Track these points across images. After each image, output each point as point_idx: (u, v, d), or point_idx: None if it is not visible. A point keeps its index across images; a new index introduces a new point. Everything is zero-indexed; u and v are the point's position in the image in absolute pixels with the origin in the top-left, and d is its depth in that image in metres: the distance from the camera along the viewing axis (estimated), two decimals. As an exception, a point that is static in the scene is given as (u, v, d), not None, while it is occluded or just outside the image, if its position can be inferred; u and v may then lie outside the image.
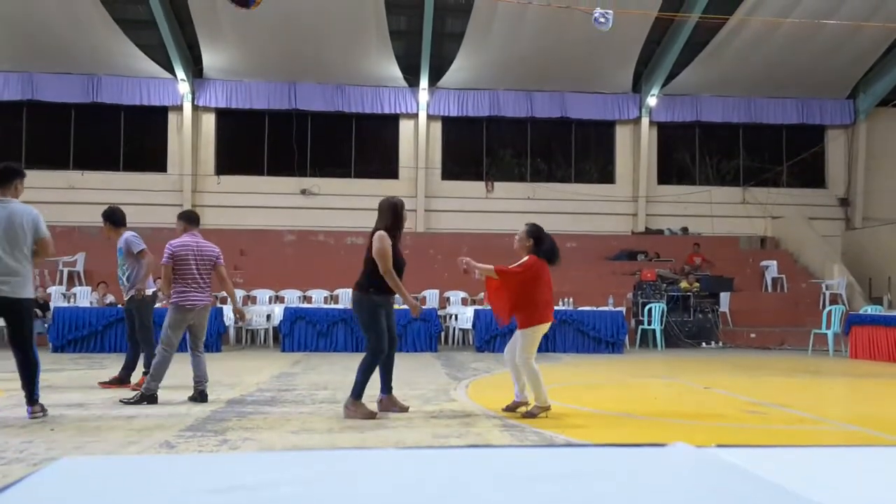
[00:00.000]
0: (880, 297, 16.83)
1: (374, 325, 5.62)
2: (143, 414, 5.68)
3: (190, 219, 6.74)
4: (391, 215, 5.75)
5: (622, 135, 19.98)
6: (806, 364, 11.32)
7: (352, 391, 5.61)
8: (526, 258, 5.79)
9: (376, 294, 5.65)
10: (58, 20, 16.39)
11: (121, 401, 6.23)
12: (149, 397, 6.18)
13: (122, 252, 7.34)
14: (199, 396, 6.33)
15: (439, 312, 13.75)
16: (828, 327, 12.95)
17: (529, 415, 5.68)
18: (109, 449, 4.41)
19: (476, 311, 12.94)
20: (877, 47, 18.18)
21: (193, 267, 6.41)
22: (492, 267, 5.76)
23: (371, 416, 5.53)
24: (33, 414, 5.29)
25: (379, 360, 5.67)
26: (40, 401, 5.38)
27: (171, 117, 19.00)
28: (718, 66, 18.34)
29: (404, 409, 5.84)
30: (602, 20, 11.64)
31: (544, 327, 5.83)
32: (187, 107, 18.71)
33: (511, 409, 5.87)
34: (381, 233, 5.65)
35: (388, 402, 5.88)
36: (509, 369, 5.98)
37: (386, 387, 5.93)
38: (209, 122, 19.21)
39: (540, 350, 6.14)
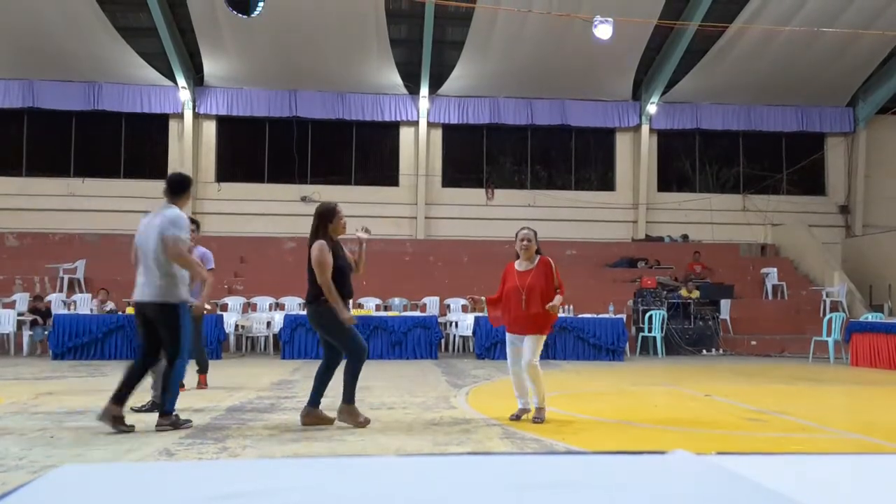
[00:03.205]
0: (881, 305, 16.81)
1: (344, 328, 5.48)
2: (142, 421, 5.67)
3: None
4: (317, 221, 5.60)
5: (622, 142, 20.00)
6: (806, 371, 11.30)
7: (343, 397, 5.52)
8: (553, 266, 5.95)
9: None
10: (59, 28, 16.42)
11: (131, 408, 6.18)
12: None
13: None
14: (152, 407, 6.05)
15: (439, 320, 13.72)
16: (828, 335, 12.94)
17: (539, 419, 5.71)
18: (109, 457, 4.40)
19: (476, 319, 12.91)
20: (876, 55, 18.22)
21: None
22: (560, 296, 5.93)
23: (365, 423, 5.49)
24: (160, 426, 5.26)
25: (363, 359, 5.55)
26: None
27: (172, 125, 19.02)
28: (718, 74, 18.37)
29: (329, 422, 5.53)
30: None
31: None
32: (188, 114, 18.73)
33: (517, 417, 5.87)
34: (319, 242, 5.51)
35: (314, 416, 5.53)
36: (517, 380, 5.95)
37: (316, 399, 5.57)
38: (210, 129, 19.24)
39: (540, 357, 6.16)
